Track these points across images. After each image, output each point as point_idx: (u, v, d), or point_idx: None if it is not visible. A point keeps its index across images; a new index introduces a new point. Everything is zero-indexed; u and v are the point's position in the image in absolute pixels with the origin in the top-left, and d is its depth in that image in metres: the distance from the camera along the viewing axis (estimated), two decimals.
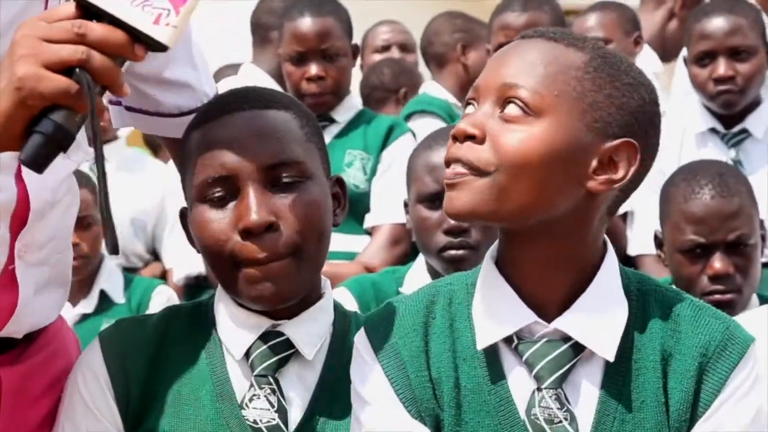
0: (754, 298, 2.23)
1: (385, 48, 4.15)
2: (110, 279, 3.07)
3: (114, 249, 1.21)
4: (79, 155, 1.49)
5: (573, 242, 1.32)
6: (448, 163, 1.30)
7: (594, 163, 1.29)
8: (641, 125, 1.31)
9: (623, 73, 1.31)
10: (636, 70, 1.34)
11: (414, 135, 3.03)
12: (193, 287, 3.34)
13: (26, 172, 1.37)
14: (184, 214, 1.54)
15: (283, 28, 3.08)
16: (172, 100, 1.59)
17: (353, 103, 3.13)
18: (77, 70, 1.17)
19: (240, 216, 1.42)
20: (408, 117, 3.35)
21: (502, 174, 1.27)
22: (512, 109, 1.28)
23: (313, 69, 2.99)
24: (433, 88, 3.56)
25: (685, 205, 2.21)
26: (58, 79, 1.16)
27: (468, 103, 1.33)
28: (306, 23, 3.01)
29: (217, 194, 1.44)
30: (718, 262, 2.16)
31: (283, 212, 1.43)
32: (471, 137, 1.28)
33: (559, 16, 3.20)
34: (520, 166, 1.26)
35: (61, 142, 1.18)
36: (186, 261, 3.36)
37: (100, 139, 1.20)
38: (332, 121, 3.03)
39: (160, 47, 1.20)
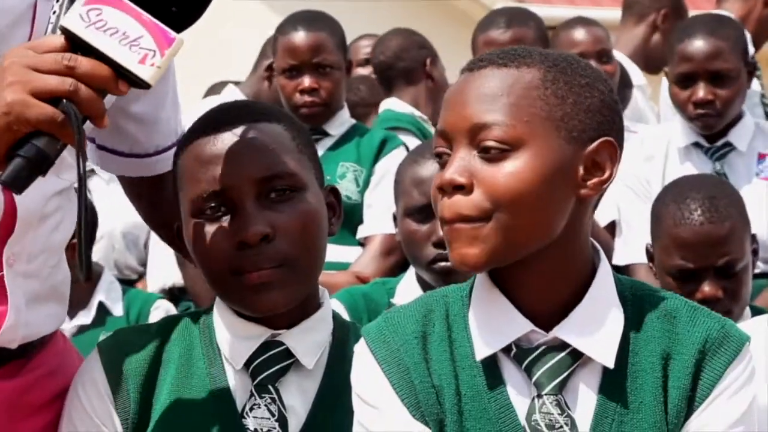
0: (747, 310, 2.24)
1: (368, 61, 4.19)
2: (109, 291, 3.08)
3: (86, 275, 1.26)
4: (72, 175, 1.50)
5: (568, 251, 1.34)
6: (443, 220, 1.31)
7: (580, 170, 1.31)
8: (609, 119, 1.33)
9: (578, 75, 1.33)
10: (584, 65, 1.35)
11: (407, 148, 3.07)
12: (169, 299, 3.35)
13: None
14: (179, 230, 1.55)
15: (277, 42, 3.12)
16: (151, 137, 1.62)
17: (346, 117, 3.17)
18: (64, 101, 1.23)
19: (236, 230, 1.44)
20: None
21: (502, 214, 1.28)
22: (490, 149, 1.29)
23: (306, 81, 3.03)
24: (394, 104, 3.57)
25: (674, 229, 2.21)
26: (44, 108, 1.22)
27: (439, 155, 1.33)
28: (299, 36, 3.05)
29: (211, 209, 1.46)
30: (706, 287, 2.16)
31: (278, 224, 1.45)
32: (460, 187, 1.29)
33: (543, 32, 3.25)
34: (517, 201, 1.27)
35: (41, 165, 1.24)
36: (160, 272, 3.36)
37: (84, 167, 1.25)
38: (325, 134, 3.07)
39: (143, 85, 1.26)
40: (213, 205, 1.46)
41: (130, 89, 1.27)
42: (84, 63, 1.23)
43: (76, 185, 1.50)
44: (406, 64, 3.58)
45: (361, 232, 2.96)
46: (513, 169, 1.28)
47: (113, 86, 1.25)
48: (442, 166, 1.33)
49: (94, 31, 1.24)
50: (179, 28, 1.28)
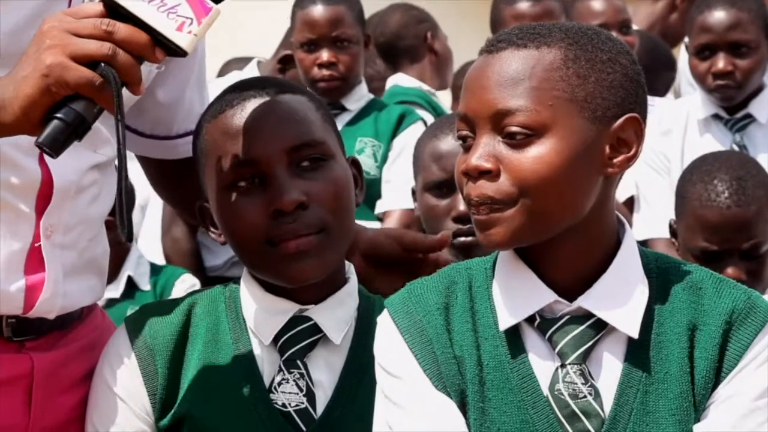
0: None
1: None
2: (138, 266, 3.10)
3: (128, 236, 1.28)
4: (108, 149, 1.52)
5: (594, 226, 1.34)
6: (470, 202, 1.31)
7: (606, 149, 1.31)
8: (633, 93, 1.33)
9: (598, 50, 1.32)
10: (604, 38, 1.34)
11: (425, 123, 3.07)
12: None
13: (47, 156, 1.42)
14: (201, 209, 1.55)
15: (295, 17, 3.11)
16: (173, 118, 1.63)
17: (364, 92, 3.16)
18: (102, 64, 1.24)
19: (271, 199, 1.45)
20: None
21: (528, 198, 1.28)
22: (515, 135, 1.29)
23: (325, 55, 3.02)
24: (401, 79, 3.56)
25: (700, 210, 2.20)
26: (83, 71, 1.24)
27: (462, 138, 1.33)
28: (317, 10, 3.05)
29: (244, 180, 1.47)
30: (730, 269, 2.15)
31: (311, 191, 1.45)
32: (486, 172, 1.29)
33: (566, 7, 3.22)
34: (544, 186, 1.28)
35: (78, 129, 1.26)
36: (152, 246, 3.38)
37: (123, 130, 1.26)
38: (343, 109, 3.07)
39: (179, 52, 1.27)
40: (245, 176, 1.47)
41: (164, 61, 1.28)
42: (122, 28, 1.25)
43: (114, 160, 1.52)
44: (408, 42, 3.56)
45: (380, 207, 2.96)
46: (539, 154, 1.28)
47: (150, 53, 1.26)
48: (466, 149, 1.33)
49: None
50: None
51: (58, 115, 1.25)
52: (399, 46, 3.60)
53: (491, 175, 1.29)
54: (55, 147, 1.25)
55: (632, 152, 1.32)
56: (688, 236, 2.23)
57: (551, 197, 1.28)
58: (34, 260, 1.44)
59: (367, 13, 3.50)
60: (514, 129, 1.28)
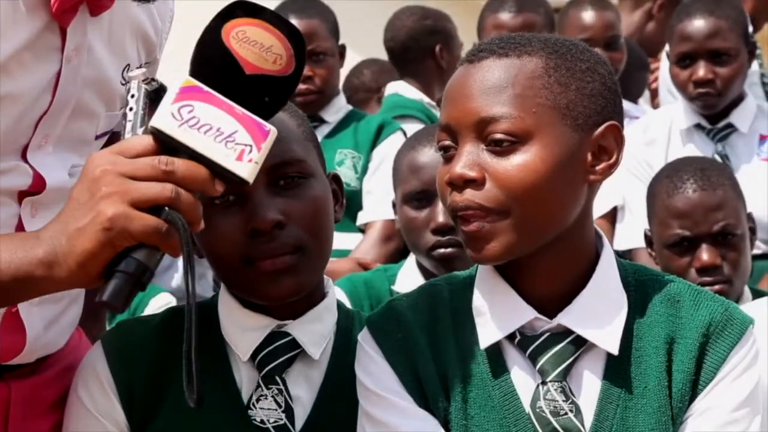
0: (747, 292, 2.27)
1: None
2: None
3: (198, 401, 1.22)
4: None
5: (575, 237, 1.34)
6: (455, 212, 1.30)
7: (588, 157, 1.31)
8: (611, 102, 1.34)
9: (577, 60, 1.33)
10: (582, 49, 1.35)
11: (404, 133, 3.06)
12: None
13: (32, 226, 1.35)
14: None
15: None
16: None
17: (342, 103, 3.17)
18: (166, 209, 1.15)
19: (248, 218, 1.43)
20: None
21: (518, 208, 1.28)
22: (500, 142, 1.28)
23: None
24: (404, 89, 3.53)
25: (669, 200, 2.25)
26: (148, 219, 1.14)
27: (444, 148, 1.32)
28: None
29: (222, 197, 1.45)
30: (704, 254, 2.20)
31: (289, 211, 1.44)
32: (471, 181, 1.29)
33: (551, 18, 3.24)
34: (531, 193, 1.28)
35: (141, 279, 1.17)
36: None
37: (193, 279, 1.17)
38: (322, 121, 3.07)
39: (241, 182, 1.18)
40: (222, 194, 1.45)
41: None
42: (181, 166, 1.15)
43: None
44: (415, 53, 3.52)
45: (361, 218, 2.96)
46: (524, 161, 1.28)
47: (210, 187, 1.17)
48: (448, 160, 1.32)
49: (188, 130, 1.16)
50: (268, 115, 1.20)
51: (121, 268, 1.15)
52: (406, 55, 3.57)
53: (476, 183, 1.29)
54: (119, 302, 1.16)
55: (613, 159, 1.33)
56: (661, 230, 2.27)
57: (537, 205, 1.28)
58: (11, 322, 1.38)
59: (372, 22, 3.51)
60: (498, 136, 1.28)
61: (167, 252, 1.17)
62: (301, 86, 3.02)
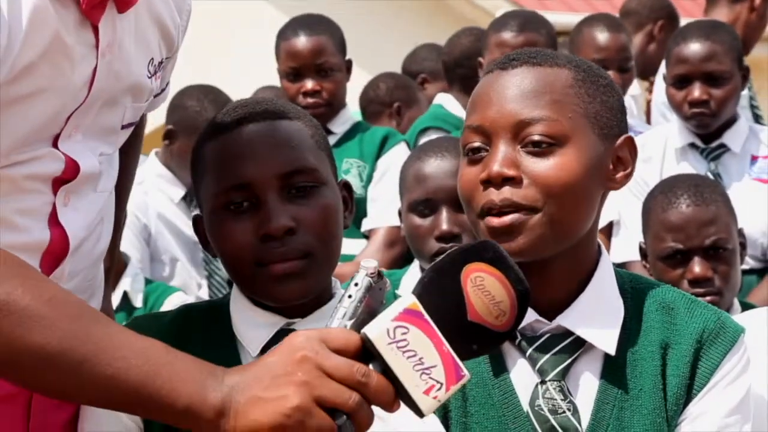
0: (736, 304, 2.32)
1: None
2: (134, 282, 3.12)
3: None
4: (108, 183, 1.50)
5: (583, 247, 1.39)
6: (491, 209, 1.33)
7: (610, 166, 1.38)
8: (624, 118, 1.41)
9: (599, 77, 1.40)
10: (597, 67, 1.43)
11: (408, 145, 3.14)
12: None
13: (64, 215, 1.40)
14: (196, 221, 1.60)
15: (279, 47, 3.20)
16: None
17: (349, 115, 3.25)
18: (344, 417, 1.16)
19: (261, 223, 1.48)
20: (423, 131, 3.41)
21: (551, 206, 1.32)
22: (539, 143, 1.33)
23: (309, 84, 3.12)
24: (449, 102, 3.59)
25: (663, 214, 2.31)
26: (325, 421, 1.16)
27: (474, 149, 1.35)
28: (300, 41, 3.15)
29: (236, 203, 1.50)
30: (696, 267, 2.25)
31: (300, 217, 1.49)
32: (509, 179, 1.33)
33: (553, 39, 3.30)
34: (567, 193, 1.33)
35: None
36: None
37: None
38: (329, 132, 3.13)
39: (416, 412, 1.19)
40: (237, 199, 1.50)
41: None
42: (375, 381, 1.16)
43: (111, 190, 1.50)
44: (464, 70, 3.58)
45: (366, 225, 3.03)
46: (561, 163, 1.33)
47: (390, 406, 1.18)
48: (476, 161, 1.36)
49: (395, 350, 1.17)
50: (467, 358, 1.21)
51: None
52: (456, 71, 3.65)
53: (514, 181, 1.33)
54: None
55: (629, 170, 1.40)
56: (655, 244, 2.33)
57: (570, 205, 1.34)
58: None
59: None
60: (537, 138, 1.33)
61: None
62: (309, 100, 3.11)
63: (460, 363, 1.18)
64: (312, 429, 1.16)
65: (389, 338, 1.17)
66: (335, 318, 1.21)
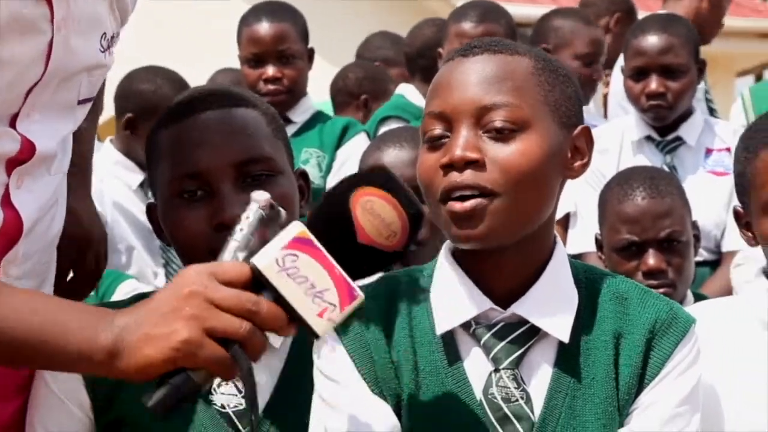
0: (689, 296, 2.35)
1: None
2: None
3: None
4: (61, 167, 1.50)
5: (540, 237, 1.40)
6: (453, 191, 1.33)
7: (568, 154, 1.39)
8: (580, 108, 1.42)
9: (557, 67, 1.41)
10: (555, 59, 1.44)
11: (369, 135, 3.13)
12: None
13: (17, 197, 1.39)
14: (150, 209, 1.58)
15: (241, 33, 3.17)
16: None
17: (309, 104, 3.23)
18: (236, 346, 1.18)
19: (215, 212, 1.47)
20: (383, 120, 3.41)
21: (513, 192, 1.33)
22: (501, 129, 1.34)
23: (270, 70, 3.10)
24: (411, 93, 3.60)
25: (619, 206, 2.33)
26: (216, 350, 1.17)
27: (435, 136, 1.35)
28: (263, 27, 3.12)
29: (189, 191, 1.49)
30: (651, 259, 2.28)
31: None
32: (472, 162, 1.33)
33: (513, 30, 3.32)
34: (527, 179, 1.33)
35: (190, 396, 1.21)
36: None
37: (257, 420, 1.22)
38: (289, 121, 3.12)
39: (312, 335, 1.22)
40: (191, 187, 1.49)
41: None
42: (265, 309, 1.18)
43: (63, 173, 1.49)
44: (426, 61, 3.58)
45: None
46: (523, 148, 1.34)
47: (284, 330, 1.20)
48: (437, 147, 1.36)
49: (284, 278, 1.18)
50: (359, 278, 1.24)
51: (174, 381, 1.18)
52: (418, 61, 3.65)
53: (477, 164, 1.33)
54: (163, 410, 1.19)
55: (586, 159, 1.41)
56: (611, 235, 2.35)
57: (531, 190, 1.34)
58: None
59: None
60: (499, 123, 1.34)
61: (223, 379, 1.20)
62: (270, 87, 3.09)
63: (353, 285, 1.22)
64: (205, 360, 1.17)
65: (278, 266, 1.19)
66: (227, 251, 1.22)
